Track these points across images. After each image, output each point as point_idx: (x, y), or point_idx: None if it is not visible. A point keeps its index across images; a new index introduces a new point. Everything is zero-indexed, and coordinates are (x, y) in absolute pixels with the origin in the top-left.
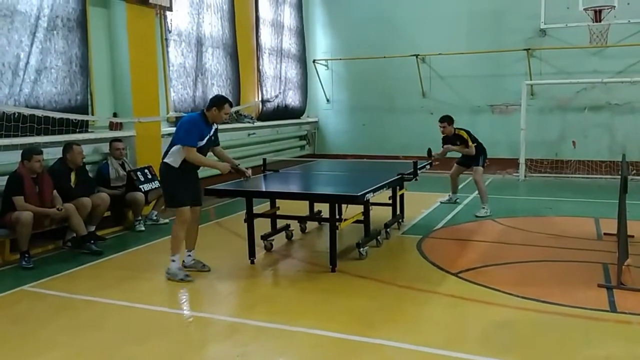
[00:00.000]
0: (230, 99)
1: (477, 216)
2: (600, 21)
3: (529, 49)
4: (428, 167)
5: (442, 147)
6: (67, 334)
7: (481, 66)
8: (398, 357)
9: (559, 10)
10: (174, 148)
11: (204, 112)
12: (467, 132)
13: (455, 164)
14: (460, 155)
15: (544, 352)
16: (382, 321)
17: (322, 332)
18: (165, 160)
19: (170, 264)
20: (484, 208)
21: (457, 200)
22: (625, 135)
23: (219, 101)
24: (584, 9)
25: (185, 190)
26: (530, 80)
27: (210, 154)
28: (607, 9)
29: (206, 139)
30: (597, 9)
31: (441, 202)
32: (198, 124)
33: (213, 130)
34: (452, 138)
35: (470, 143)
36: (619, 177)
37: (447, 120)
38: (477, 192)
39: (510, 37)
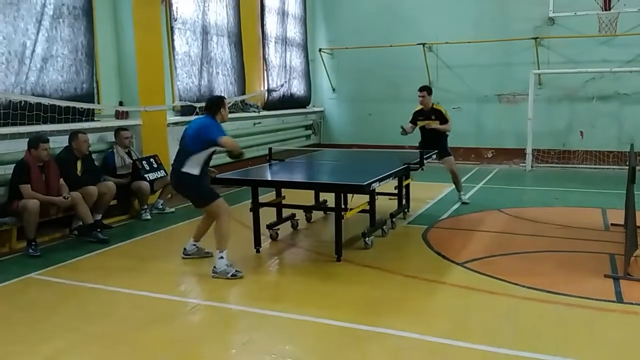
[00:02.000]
0: (235, 88)
1: (465, 203)
2: (609, 9)
3: (537, 38)
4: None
5: (409, 122)
6: (73, 322)
7: (489, 55)
8: (403, 346)
9: None
10: (193, 157)
11: (213, 117)
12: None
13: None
14: (418, 144)
15: (550, 343)
16: (387, 310)
17: (327, 320)
18: (183, 170)
19: (217, 262)
20: (464, 194)
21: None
22: (633, 126)
23: (220, 100)
24: None
25: (209, 184)
26: (538, 69)
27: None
28: None
29: None
30: None
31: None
32: (217, 123)
33: None
34: (428, 112)
35: (448, 119)
36: (627, 167)
37: (427, 89)
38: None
39: (518, 26)
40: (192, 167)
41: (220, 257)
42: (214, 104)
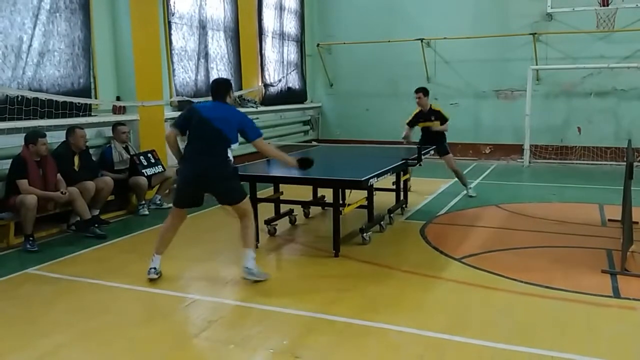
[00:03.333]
0: (232, 83)
1: (472, 196)
2: (607, 5)
3: (535, 34)
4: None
5: (407, 124)
6: (71, 317)
7: (486, 51)
8: (401, 341)
9: None
10: (233, 146)
11: (224, 101)
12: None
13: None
14: (420, 138)
15: (547, 338)
16: (385, 306)
17: (325, 316)
18: (225, 161)
19: (248, 262)
20: (470, 188)
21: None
22: (631, 121)
23: (229, 82)
24: None
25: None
26: (536, 65)
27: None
28: None
29: None
30: None
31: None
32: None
33: None
34: (427, 114)
35: (448, 118)
36: (624, 163)
37: (422, 91)
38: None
39: (516, 22)
40: (229, 157)
41: (253, 256)
42: (224, 87)
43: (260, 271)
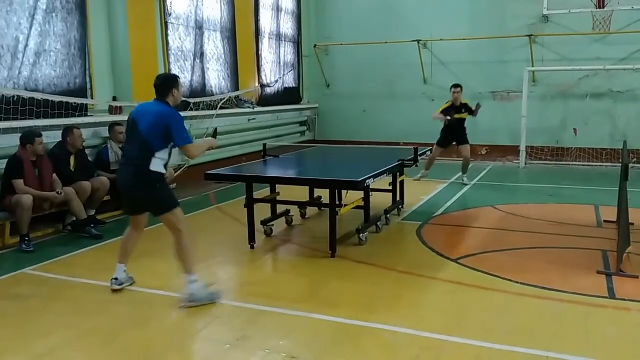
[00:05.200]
0: (228, 83)
1: (465, 184)
2: (603, 7)
3: (532, 35)
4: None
5: (442, 113)
6: (67, 318)
7: (483, 52)
8: (397, 341)
9: None
10: (159, 153)
11: (165, 102)
12: None
13: (436, 146)
14: (440, 137)
15: (543, 338)
16: (381, 306)
17: (321, 316)
18: (151, 168)
19: (189, 286)
20: (466, 176)
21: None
22: (626, 123)
23: (173, 78)
24: None
25: (171, 190)
26: (532, 66)
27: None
28: None
29: None
30: None
31: (414, 180)
32: (180, 118)
33: None
34: (459, 107)
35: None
36: (620, 164)
37: (460, 86)
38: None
39: (513, 23)
40: (159, 165)
41: (194, 280)
42: (165, 84)
43: (208, 293)
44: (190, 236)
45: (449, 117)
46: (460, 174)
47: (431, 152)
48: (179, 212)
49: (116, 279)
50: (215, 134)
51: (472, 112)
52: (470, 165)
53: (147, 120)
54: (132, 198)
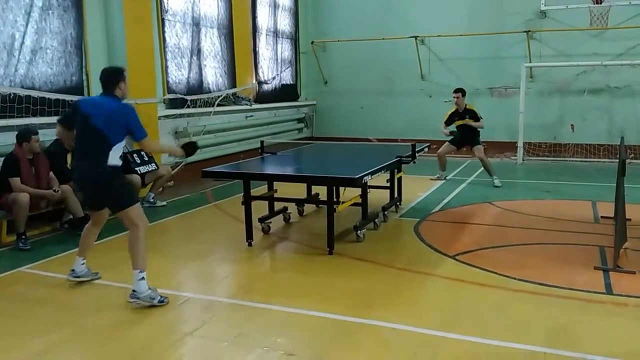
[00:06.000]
0: (225, 80)
1: (497, 186)
2: (600, 3)
3: (529, 31)
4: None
5: (445, 123)
6: (64, 316)
7: (480, 48)
8: (395, 338)
9: None
10: (115, 147)
11: (113, 95)
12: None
13: (447, 143)
14: (453, 136)
15: (540, 334)
16: (379, 303)
17: (319, 313)
18: (108, 162)
19: (137, 284)
20: (496, 178)
21: (447, 177)
22: (624, 119)
23: (119, 71)
24: None
25: (130, 185)
26: (530, 62)
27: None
28: None
29: None
30: None
31: (431, 179)
32: (134, 111)
33: None
34: (462, 113)
35: (481, 118)
36: (617, 160)
37: (461, 91)
38: (481, 169)
39: (510, 19)
40: (114, 159)
41: (141, 278)
42: (113, 77)
43: (152, 294)
44: (145, 232)
45: (446, 132)
46: (491, 178)
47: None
48: (138, 208)
49: (73, 270)
50: (191, 149)
51: (477, 120)
52: (489, 163)
53: (102, 115)
54: (90, 193)
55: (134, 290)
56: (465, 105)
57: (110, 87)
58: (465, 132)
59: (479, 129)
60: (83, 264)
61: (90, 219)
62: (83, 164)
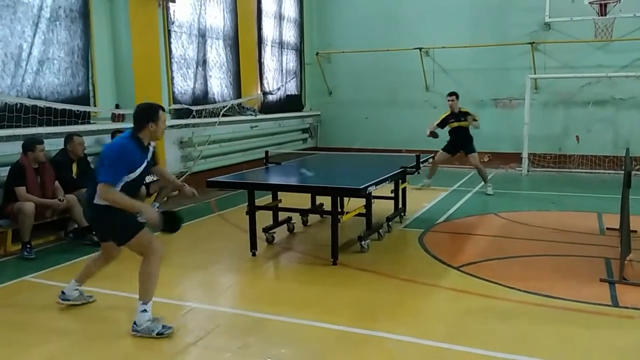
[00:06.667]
0: (231, 91)
1: (488, 194)
2: (605, 15)
3: (534, 43)
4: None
5: (437, 125)
6: (68, 325)
7: (485, 60)
8: (399, 349)
9: (563, 4)
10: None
11: (134, 135)
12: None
13: (441, 151)
14: (446, 143)
15: (546, 347)
16: (383, 314)
17: (323, 324)
18: (96, 202)
19: (138, 316)
20: (489, 186)
21: (430, 186)
22: (629, 130)
23: (153, 110)
24: (589, 3)
25: (131, 216)
26: (535, 74)
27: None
28: (613, 2)
29: (142, 168)
30: (603, 2)
31: (416, 189)
32: (128, 151)
33: (151, 153)
34: (458, 115)
35: (476, 117)
36: (623, 172)
37: (456, 94)
38: (477, 176)
39: (515, 31)
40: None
41: (143, 310)
42: (141, 115)
43: (151, 327)
44: (159, 261)
45: (429, 132)
46: (483, 183)
47: (433, 158)
48: (144, 236)
49: (63, 292)
50: (171, 222)
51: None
52: (485, 170)
53: (102, 153)
54: (94, 228)
55: (135, 322)
56: (460, 108)
57: (137, 127)
58: (458, 137)
59: (472, 135)
60: (77, 289)
61: (101, 249)
62: (87, 202)
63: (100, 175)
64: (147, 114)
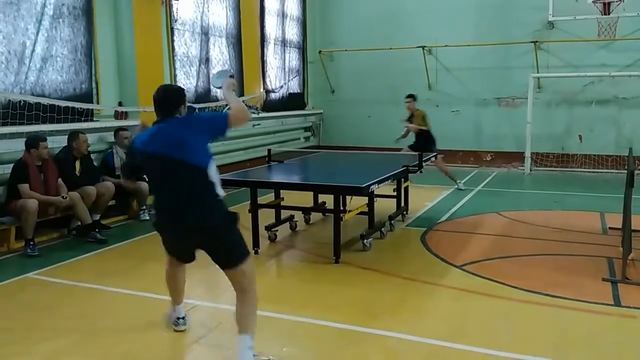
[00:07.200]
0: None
1: (461, 189)
2: (608, 14)
3: (537, 42)
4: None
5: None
6: (71, 322)
7: (488, 58)
8: (401, 348)
9: (567, 3)
10: (213, 175)
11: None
12: (425, 114)
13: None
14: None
15: (548, 346)
16: (385, 312)
17: (325, 322)
18: (219, 197)
19: (244, 355)
20: (460, 182)
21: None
22: (632, 130)
23: (178, 94)
24: (592, 2)
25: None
26: (538, 73)
27: None
28: (616, 1)
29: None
30: (606, 1)
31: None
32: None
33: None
34: (410, 117)
35: (419, 120)
36: (625, 171)
37: (413, 96)
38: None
39: (518, 30)
40: (219, 187)
41: (250, 346)
42: (172, 99)
43: None
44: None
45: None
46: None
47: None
48: (252, 262)
49: (182, 318)
50: None
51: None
52: (450, 171)
53: (174, 142)
54: (192, 243)
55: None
56: (416, 110)
57: (169, 112)
58: (419, 138)
59: (430, 136)
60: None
61: (167, 264)
62: (187, 211)
63: (223, 120)
64: (178, 98)
